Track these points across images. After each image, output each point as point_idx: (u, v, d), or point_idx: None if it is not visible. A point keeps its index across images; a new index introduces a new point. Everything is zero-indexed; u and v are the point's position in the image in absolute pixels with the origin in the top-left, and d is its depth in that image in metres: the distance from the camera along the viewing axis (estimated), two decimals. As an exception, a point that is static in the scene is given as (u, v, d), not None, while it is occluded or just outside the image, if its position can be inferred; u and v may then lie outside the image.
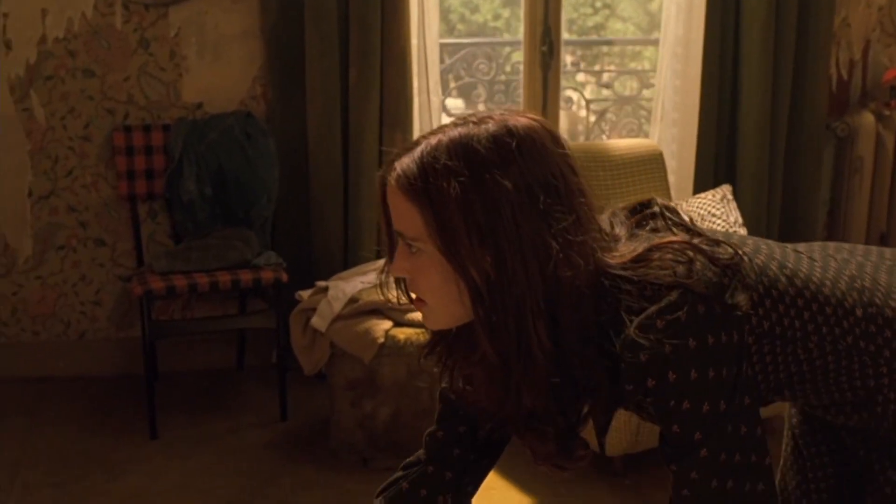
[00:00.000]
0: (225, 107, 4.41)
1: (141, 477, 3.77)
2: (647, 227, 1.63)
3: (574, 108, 5.27)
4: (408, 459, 1.84)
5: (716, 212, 4.19)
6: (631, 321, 1.49)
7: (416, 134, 4.34)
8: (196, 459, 3.89)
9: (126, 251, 4.50)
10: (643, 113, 5.31)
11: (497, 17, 5.60)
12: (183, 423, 4.17)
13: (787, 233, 4.83)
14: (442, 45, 4.71)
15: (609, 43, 5.43)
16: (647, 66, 5.56)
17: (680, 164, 4.73)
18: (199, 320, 4.43)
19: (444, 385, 1.75)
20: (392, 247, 1.63)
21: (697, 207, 4.21)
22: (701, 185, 4.70)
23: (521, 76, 4.75)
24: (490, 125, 1.52)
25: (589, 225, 1.55)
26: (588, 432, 1.67)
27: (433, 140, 1.53)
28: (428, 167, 1.50)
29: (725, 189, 4.32)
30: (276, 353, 4.52)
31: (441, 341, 1.68)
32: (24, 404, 4.35)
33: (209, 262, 4.09)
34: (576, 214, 1.53)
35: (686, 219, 1.65)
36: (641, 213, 1.66)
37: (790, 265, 1.66)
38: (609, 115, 5.35)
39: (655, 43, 4.98)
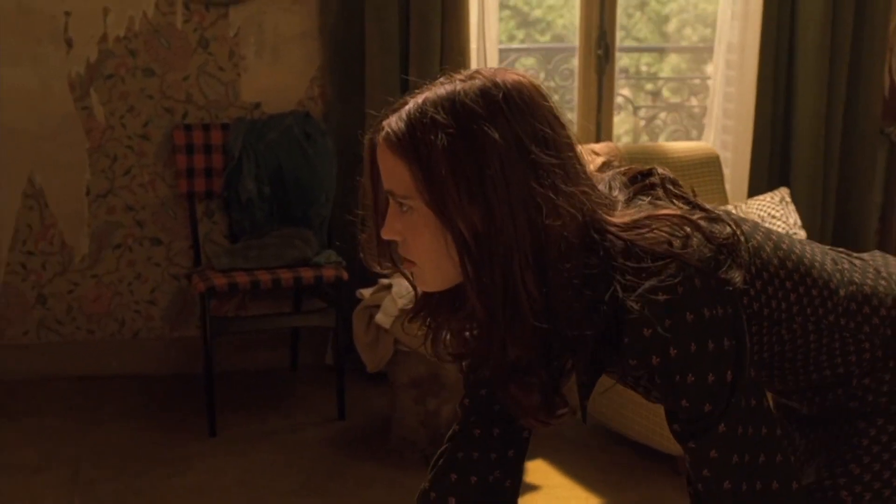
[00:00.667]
0: (283, 107, 4.42)
1: (202, 473, 3.76)
2: (648, 198, 1.61)
3: (622, 113, 5.29)
4: (449, 432, 1.82)
5: (775, 213, 4.19)
6: (622, 285, 1.49)
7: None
8: (256, 456, 3.89)
9: (182, 250, 4.51)
10: (689, 121, 5.32)
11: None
12: (240, 421, 4.17)
13: (840, 237, 4.81)
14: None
15: (662, 50, 5.45)
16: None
17: (734, 171, 4.72)
18: (258, 318, 4.43)
19: (427, 347, 1.72)
20: (376, 213, 1.63)
21: (757, 209, 4.21)
22: (755, 191, 4.69)
23: (576, 80, 4.76)
24: (477, 80, 1.52)
25: (579, 178, 1.55)
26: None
27: (420, 98, 1.53)
28: (415, 122, 1.50)
29: (783, 192, 4.32)
30: (331, 352, 4.54)
31: (427, 304, 1.68)
32: (81, 402, 4.35)
33: (269, 260, 4.10)
34: (566, 166, 1.53)
35: (688, 191, 1.64)
36: (642, 183, 1.64)
37: (784, 247, 1.66)
38: (644, 123, 5.36)
39: (710, 51, 4.99)
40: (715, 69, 4.83)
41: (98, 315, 4.53)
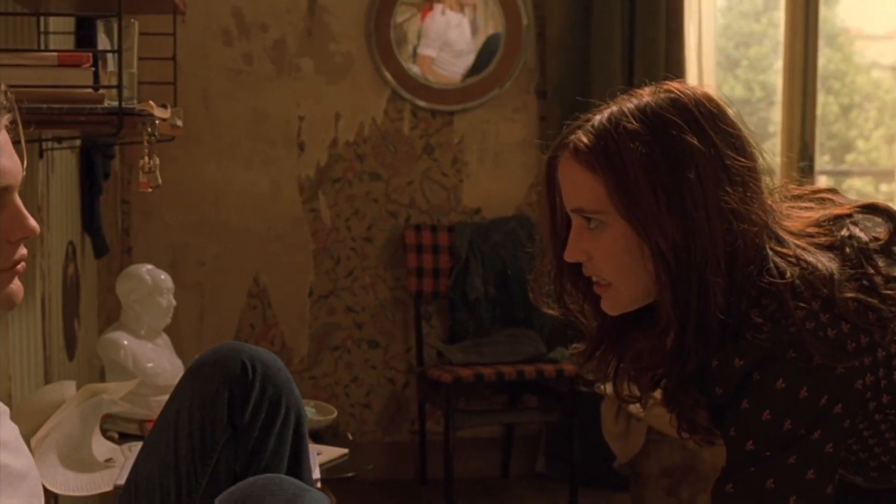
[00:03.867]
0: (502, 213, 4.51)
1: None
2: (818, 242, 1.54)
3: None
4: None
5: None
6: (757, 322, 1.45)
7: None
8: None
9: (398, 354, 4.54)
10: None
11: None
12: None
13: None
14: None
15: (848, 174, 5.57)
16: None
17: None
18: (498, 412, 4.43)
19: (608, 385, 1.67)
20: (555, 240, 1.60)
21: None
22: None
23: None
24: (663, 93, 1.53)
25: (763, 184, 1.53)
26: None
27: (606, 112, 1.53)
28: (607, 133, 1.49)
29: None
30: (542, 458, 4.54)
31: (601, 342, 1.64)
32: None
33: (504, 355, 4.13)
34: (755, 172, 1.52)
35: (878, 269, 1.52)
36: (828, 230, 1.56)
37: None
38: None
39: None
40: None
41: (313, 417, 4.52)
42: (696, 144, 1.47)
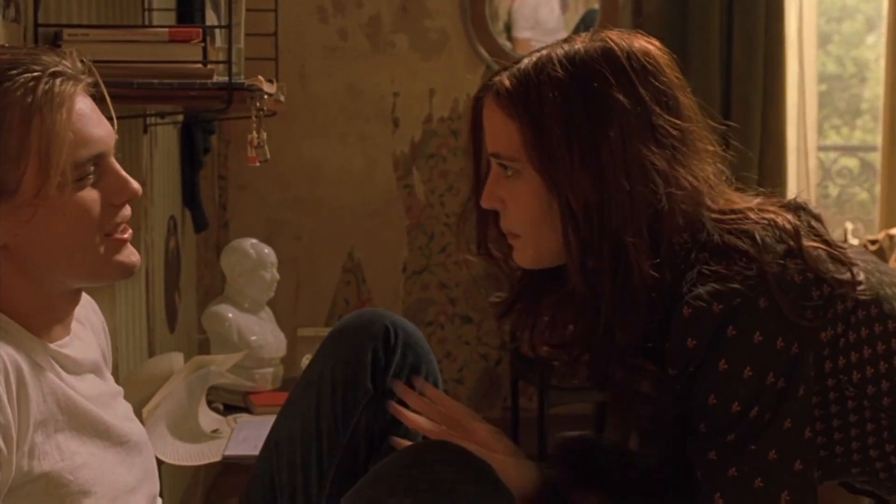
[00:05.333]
0: (595, 190, 4.50)
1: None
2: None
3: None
4: None
5: None
6: (699, 273, 1.38)
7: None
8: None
9: (490, 330, 4.54)
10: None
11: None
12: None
13: None
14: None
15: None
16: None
17: None
18: (592, 389, 4.40)
19: (524, 342, 1.61)
20: (477, 185, 1.54)
21: None
22: None
23: (878, 170, 4.77)
24: (599, 41, 1.45)
25: (699, 150, 1.46)
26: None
27: (535, 56, 1.46)
28: (529, 78, 1.43)
29: None
30: (634, 435, 4.50)
31: (520, 298, 1.57)
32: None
33: (597, 333, 4.11)
34: (689, 135, 1.44)
35: (828, 236, 1.50)
36: (777, 203, 1.51)
37: None
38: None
39: None
40: None
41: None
42: (622, 100, 1.40)
